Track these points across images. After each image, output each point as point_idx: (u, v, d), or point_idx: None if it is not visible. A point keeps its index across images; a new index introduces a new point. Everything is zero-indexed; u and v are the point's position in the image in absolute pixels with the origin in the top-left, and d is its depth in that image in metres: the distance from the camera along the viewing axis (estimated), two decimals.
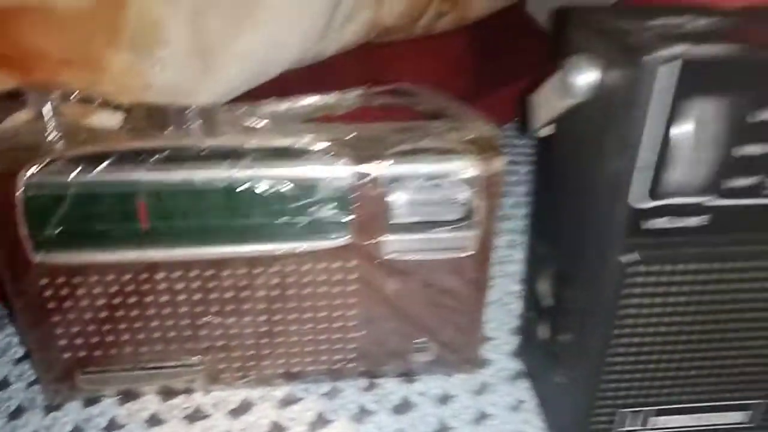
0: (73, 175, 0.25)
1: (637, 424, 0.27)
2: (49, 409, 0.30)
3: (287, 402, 0.31)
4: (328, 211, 0.27)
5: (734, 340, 0.24)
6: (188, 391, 0.31)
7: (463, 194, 0.27)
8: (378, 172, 0.26)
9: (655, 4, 0.26)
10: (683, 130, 0.20)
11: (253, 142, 0.26)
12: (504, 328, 0.36)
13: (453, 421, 0.30)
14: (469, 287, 0.30)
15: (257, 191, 0.26)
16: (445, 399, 0.31)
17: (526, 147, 0.54)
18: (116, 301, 0.28)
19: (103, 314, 0.28)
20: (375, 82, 0.30)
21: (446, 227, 0.28)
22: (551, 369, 0.29)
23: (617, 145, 0.21)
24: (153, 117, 0.27)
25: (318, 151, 0.26)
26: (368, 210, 0.27)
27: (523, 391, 0.32)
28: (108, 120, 0.29)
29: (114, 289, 0.27)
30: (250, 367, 0.30)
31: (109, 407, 0.30)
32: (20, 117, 0.28)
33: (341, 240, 0.27)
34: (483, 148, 0.27)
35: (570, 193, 0.25)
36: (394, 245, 0.28)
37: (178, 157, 0.26)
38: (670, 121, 0.20)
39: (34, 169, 0.25)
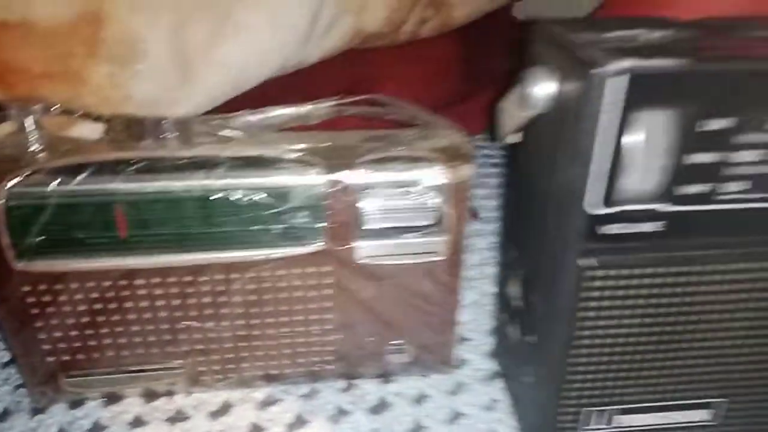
0: (53, 185, 0.26)
1: (603, 423, 0.27)
2: (35, 411, 0.31)
3: (266, 403, 0.32)
4: (301, 219, 0.27)
5: (693, 341, 0.25)
6: (170, 393, 0.32)
7: (433, 201, 0.28)
8: (349, 180, 0.27)
9: (620, 16, 0.26)
10: (634, 140, 0.21)
11: (227, 152, 0.27)
12: (481, 329, 0.37)
13: (427, 420, 0.31)
14: (442, 290, 0.31)
15: (232, 200, 0.27)
16: (420, 399, 0.32)
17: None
18: (97, 306, 0.29)
19: (85, 319, 0.29)
20: (347, 93, 0.31)
21: (417, 233, 0.29)
22: (521, 369, 0.30)
23: (572, 154, 0.22)
24: (131, 128, 0.28)
25: (291, 160, 0.27)
26: (341, 217, 0.28)
27: (498, 390, 0.33)
28: (88, 131, 0.30)
29: (95, 295, 0.28)
30: (229, 369, 0.31)
31: (93, 409, 0.31)
32: (3, 129, 0.28)
33: (315, 246, 0.28)
34: (452, 157, 0.28)
35: (533, 199, 0.26)
36: (367, 250, 0.29)
37: (154, 168, 0.27)
38: (621, 131, 0.21)
39: (16, 180, 0.26)
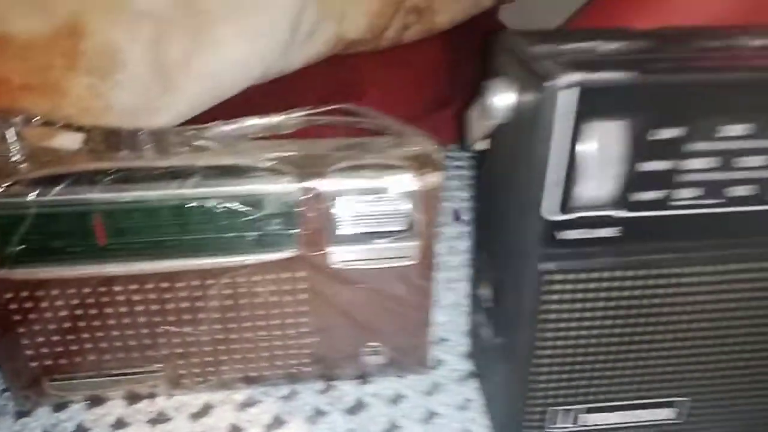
0: (33, 195, 0.27)
1: (569, 422, 0.28)
2: (20, 414, 0.32)
3: (246, 405, 0.33)
4: (275, 226, 0.28)
5: (654, 342, 0.26)
6: (152, 395, 0.33)
7: (404, 207, 0.29)
8: (321, 188, 0.28)
9: (585, 27, 0.27)
10: (588, 149, 0.22)
11: (201, 162, 0.28)
12: (459, 330, 0.37)
13: (403, 420, 0.32)
14: (415, 293, 0.31)
15: (206, 208, 0.28)
16: (396, 399, 0.33)
17: None
18: (78, 312, 0.29)
19: (67, 325, 0.30)
20: (332, 97, 0.31)
21: (389, 238, 0.29)
22: (492, 369, 0.30)
23: (529, 163, 0.23)
24: (109, 139, 0.29)
25: (264, 168, 0.28)
26: (314, 223, 0.29)
27: (472, 390, 0.33)
28: (69, 142, 0.31)
29: (75, 301, 0.29)
30: (209, 372, 0.32)
31: (76, 412, 0.32)
32: None
33: (289, 252, 0.29)
34: (422, 164, 0.29)
35: (498, 205, 0.27)
36: (340, 256, 0.29)
37: (131, 177, 0.28)
38: (574, 141, 0.22)
39: None
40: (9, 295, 0.28)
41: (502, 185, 0.26)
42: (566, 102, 0.21)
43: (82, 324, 0.30)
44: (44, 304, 0.29)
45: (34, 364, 0.31)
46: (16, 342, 0.30)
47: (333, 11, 0.43)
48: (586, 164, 0.22)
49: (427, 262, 0.30)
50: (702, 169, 0.23)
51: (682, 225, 0.23)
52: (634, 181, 0.23)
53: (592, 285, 0.24)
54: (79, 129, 0.31)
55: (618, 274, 0.24)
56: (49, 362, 0.31)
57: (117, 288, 0.29)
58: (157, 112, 0.35)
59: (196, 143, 0.28)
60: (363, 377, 0.34)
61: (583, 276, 0.24)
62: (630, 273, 0.24)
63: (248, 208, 0.28)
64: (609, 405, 0.28)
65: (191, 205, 0.27)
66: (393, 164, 0.29)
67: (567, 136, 0.21)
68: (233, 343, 0.31)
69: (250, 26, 0.38)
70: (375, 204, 0.29)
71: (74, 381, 0.31)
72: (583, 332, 0.25)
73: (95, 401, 0.32)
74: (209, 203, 0.27)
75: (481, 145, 0.28)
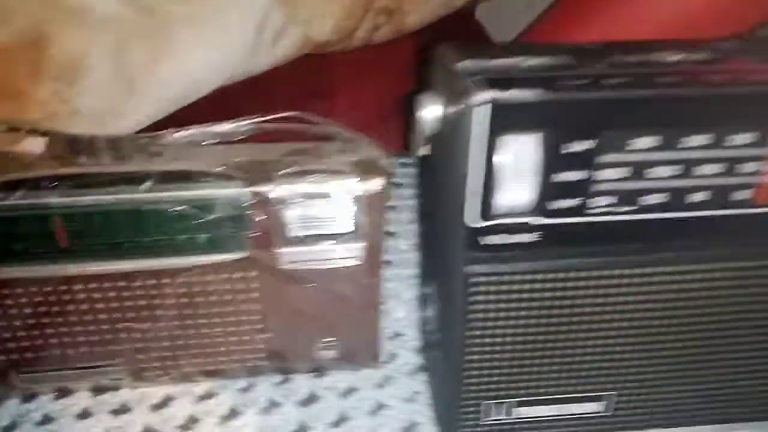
0: None
1: (502, 415, 0.30)
2: None
3: (205, 397, 0.34)
4: (225, 228, 0.30)
5: (578, 340, 0.28)
6: (116, 387, 0.35)
7: (350, 210, 0.30)
8: (270, 192, 0.29)
9: (511, 43, 0.28)
10: (504, 160, 0.23)
11: (156, 167, 0.29)
12: (415, 326, 0.39)
13: (352, 411, 0.34)
14: (363, 292, 0.33)
15: (160, 211, 0.29)
16: (349, 392, 0.35)
17: None
18: (42, 310, 0.31)
19: (31, 322, 0.31)
20: (267, 111, 0.33)
21: (336, 240, 0.31)
22: (435, 364, 0.32)
23: (452, 172, 0.24)
24: (69, 145, 0.30)
25: (215, 173, 0.30)
26: (263, 226, 0.30)
27: (421, 384, 0.35)
28: (33, 146, 0.32)
29: (39, 299, 0.31)
30: (169, 366, 0.34)
31: (44, 403, 0.34)
32: None
33: (240, 253, 0.30)
34: (367, 170, 0.30)
35: (432, 209, 0.28)
36: (289, 257, 0.31)
37: (90, 182, 0.29)
38: (490, 153, 0.23)
39: None
40: None
41: (435, 191, 0.28)
42: (481, 118, 0.22)
43: (46, 321, 0.31)
44: (9, 302, 0.30)
45: (2, 357, 0.32)
46: None
47: (299, 14, 0.45)
48: (503, 175, 0.24)
49: (373, 263, 0.32)
50: (614, 179, 0.24)
51: (598, 231, 0.25)
52: (550, 190, 0.24)
53: (515, 287, 0.26)
54: (43, 134, 0.33)
55: (539, 276, 0.26)
56: (16, 356, 0.32)
57: (78, 287, 0.31)
58: (122, 115, 0.37)
59: (151, 150, 0.30)
60: (318, 371, 0.36)
61: (506, 278, 0.26)
62: (550, 276, 0.26)
63: (199, 212, 0.29)
64: (539, 399, 0.29)
65: (145, 208, 0.29)
66: (338, 170, 0.30)
67: (483, 148, 0.23)
68: (191, 338, 0.33)
69: (213, 31, 0.39)
70: (322, 207, 0.30)
71: (41, 374, 0.33)
72: (509, 331, 0.27)
73: (62, 392, 0.34)
74: (162, 207, 0.29)
75: (423, 151, 0.30)
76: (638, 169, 0.24)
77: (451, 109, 0.24)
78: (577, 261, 0.26)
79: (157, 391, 0.35)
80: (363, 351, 0.35)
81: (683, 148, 0.24)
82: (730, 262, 0.26)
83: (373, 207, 0.30)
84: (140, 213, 0.29)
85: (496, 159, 0.23)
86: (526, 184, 0.24)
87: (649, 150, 0.24)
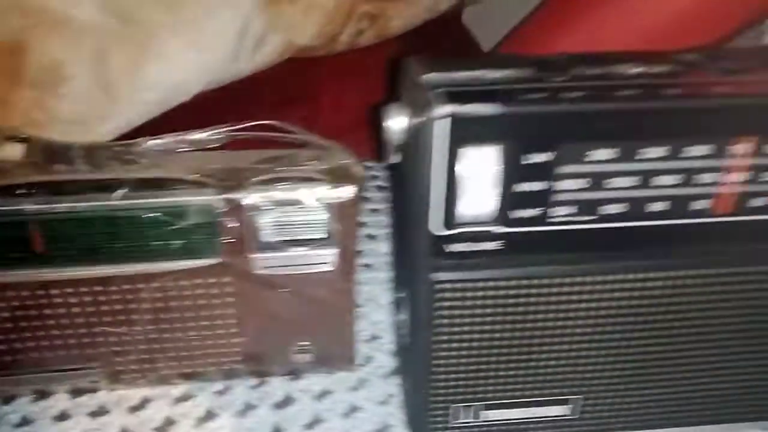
0: None
1: (471, 418, 0.30)
2: None
3: (181, 399, 0.35)
4: (199, 235, 0.30)
5: (543, 345, 0.28)
6: (94, 390, 0.35)
7: (322, 217, 0.31)
8: (242, 199, 0.30)
9: (476, 57, 0.28)
10: (465, 171, 0.24)
11: (130, 175, 0.30)
12: (392, 329, 0.40)
13: (326, 414, 0.34)
14: (338, 297, 0.33)
15: (134, 218, 0.30)
16: (323, 395, 0.35)
17: None
18: (19, 314, 0.32)
19: (9, 325, 0.32)
20: (240, 119, 0.33)
21: (308, 246, 0.31)
22: (406, 367, 0.33)
23: (416, 181, 0.25)
24: (45, 152, 0.31)
25: (189, 180, 0.30)
26: (236, 232, 0.31)
27: (394, 386, 0.36)
28: (12, 152, 0.33)
29: (15, 304, 0.31)
30: (146, 369, 0.34)
31: (22, 405, 0.34)
32: None
33: (213, 259, 0.31)
34: (338, 177, 0.31)
35: (401, 217, 0.29)
36: (263, 262, 0.32)
37: (64, 189, 0.30)
38: (451, 164, 0.24)
39: None
40: None
41: (403, 198, 0.28)
42: (441, 130, 0.23)
43: (23, 324, 0.32)
44: None
45: None
46: None
47: (281, 21, 0.45)
48: (465, 185, 0.24)
49: (346, 268, 0.32)
50: (574, 190, 0.25)
51: (559, 239, 0.26)
52: (512, 200, 0.25)
53: (479, 293, 0.26)
54: (23, 140, 0.33)
55: (502, 283, 0.26)
56: None
57: (54, 291, 0.31)
58: (103, 121, 0.37)
59: (125, 157, 0.30)
60: (294, 374, 0.36)
61: (470, 285, 0.26)
62: (513, 283, 0.26)
63: (173, 219, 0.30)
64: (506, 402, 0.30)
65: (120, 215, 0.30)
66: (310, 177, 0.31)
67: (444, 160, 0.23)
68: (166, 342, 0.33)
69: (194, 37, 0.39)
70: (294, 214, 0.31)
71: (19, 376, 0.34)
72: (475, 336, 0.28)
73: (41, 395, 0.35)
74: (136, 213, 0.29)
75: (394, 159, 0.30)
76: (597, 180, 0.25)
77: (415, 121, 0.24)
78: (540, 268, 0.26)
79: (134, 394, 0.35)
80: (338, 354, 0.36)
81: (641, 160, 0.24)
82: (689, 270, 0.27)
83: (345, 214, 0.31)
84: (115, 219, 0.30)
85: (457, 169, 0.24)
86: (488, 193, 0.24)
87: (607, 161, 0.24)
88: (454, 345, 0.28)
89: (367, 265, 0.44)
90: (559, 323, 0.28)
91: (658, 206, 0.25)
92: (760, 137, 0.24)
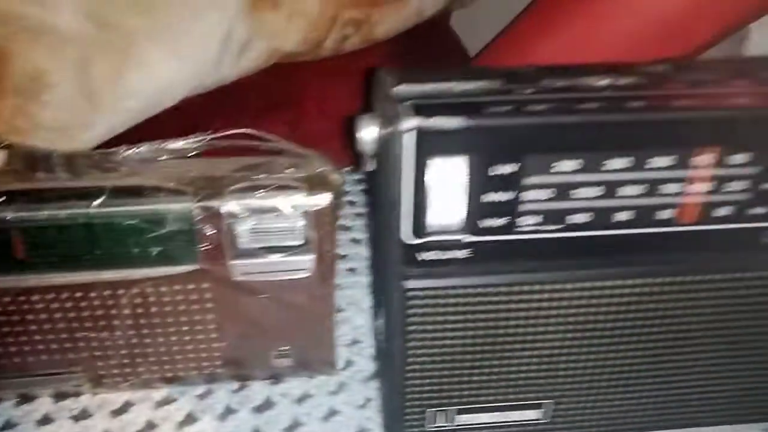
0: None
1: (446, 422, 0.31)
2: None
3: (163, 403, 0.35)
4: (177, 242, 0.31)
5: (514, 351, 0.29)
6: (78, 393, 0.36)
7: (299, 224, 0.31)
8: (220, 207, 0.30)
9: (448, 69, 0.29)
10: (433, 182, 0.24)
11: (109, 183, 0.30)
12: (372, 333, 0.40)
13: (305, 418, 0.35)
14: (316, 302, 0.34)
15: (113, 225, 0.30)
16: (303, 398, 0.36)
17: None
18: (1, 319, 0.32)
19: None
20: (225, 124, 0.34)
21: (286, 252, 0.32)
22: (383, 372, 0.33)
23: (389, 191, 0.25)
24: (27, 160, 0.31)
25: (167, 188, 0.30)
26: (214, 239, 0.31)
27: (373, 390, 0.36)
28: None
29: None
30: (128, 373, 0.35)
31: (6, 409, 0.35)
32: None
33: (192, 266, 0.31)
34: (315, 185, 0.31)
35: (376, 224, 0.29)
36: (241, 269, 0.32)
37: (45, 197, 0.30)
38: (419, 175, 0.24)
39: None
40: None
41: (377, 207, 0.29)
42: (409, 142, 0.23)
43: (6, 329, 0.32)
44: None
45: None
46: None
47: (265, 26, 0.46)
48: (433, 194, 0.25)
49: (324, 274, 0.33)
50: (540, 200, 0.25)
51: (528, 248, 0.26)
52: (480, 209, 0.25)
53: (450, 300, 0.27)
54: (5, 147, 0.34)
55: (472, 290, 0.27)
56: None
57: (35, 297, 0.31)
58: (86, 128, 0.38)
59: (105, 165, 0.31)
60: (275, 378, 0.37)
61: (441, 293, 0.27)
62: (482, 290, 0.27)
63: (151, 226, 0.30)
64: (480, 406, 0.30)
65: (99, 222, 0.30)
66: (287, 185, 0.31)
67: (412, 170, 0.24)
68: (147, 347, 0.34)
69: (177, 45, 0.40)
70: (272, 221, 0.31)
71: (2, 380, 0.34)
72: (448, 342, 0.28)
73: (24, 399, 0.35)
74: (115, 221, 0.30)
75: (369, 167, 0.31)
76: (563, 190, 0.25)
77: (384, 133, 0.25)
78: (509, 276, 0.27)
79: (117, 397, 0.36)
80: (318, 359, 0.36)
81: (606, 171, 0.25)
82: (656, 278, 0.27)
83: (322, 221, 0.31)
84: (94, 227, 0.30)
85: (426, 180, 0.24)
86: (457, 203, 0.25)
87: (572, 172, 0.25)
88: (428, 351, 0.28)
89: (351, 269, 0.45)
90: (529, 329, 0.28)
91: (623, 216, 0.26)
92: (722, 149, 0.25)
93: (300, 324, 0.35)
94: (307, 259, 0.32)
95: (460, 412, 0.30)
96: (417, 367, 0.29)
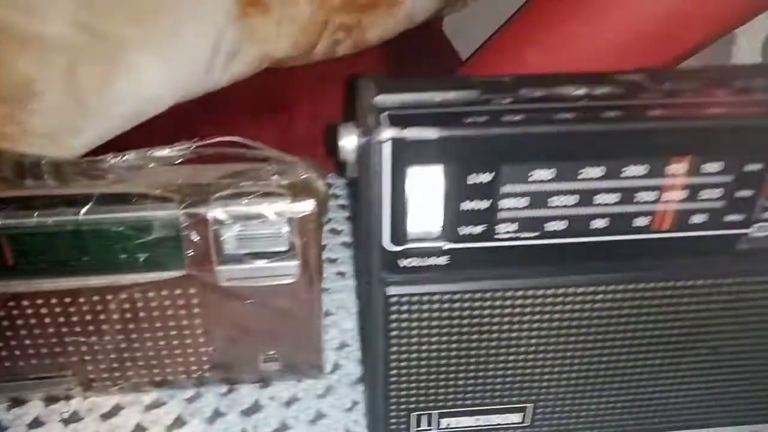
0: None
1: (430, 425, 0.31)
2: None
3: (153, 406, 0.36)
4: (164, 248, 0.31)
5: (493, 356, 0.29)
6: (68, 397, 0.36)
7: (283, 230, 0.32)
8: (206, 213, 0.31)
9: (429, 78, 0.29)
10: (412, 190, 0.25)
11: (96, 190, 0.31)
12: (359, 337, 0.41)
13: (292, 421, 0.35)
14: (303, 307, 0.34)
15: (101, 231, 0.31)
16: (291, 402, 0.36)
17: None
18: None
19: None
20: (216, 130, 0.34)
21: (271, 258, 0.32)
22: (367, 376, 0.33)
23: (369, 199, 0.26)
24: (16, 168, 0.32)
25: (154, 195, 0.31)
26: (201, 245, 0.32)
27: (360, 394, 0.37)
28: None
29: None
30: (117, 377, 0.35)
31: None
32: None
33: (178, 272, 0.32)
34: (298, 192, 0.32)
35: (359, 231, 0.30)
36: (227, 274, 0.32)
37: (33, 204, 0.31)
38: (396, 184, 0.24)
39: None
40: None
41: (360, 214, 0.29)
42: (385, 152, 0.24)
43: None
44: None
45: None
46: None
47: (255, 32, 0.46)
48: (412, 202, 0.25)
49: (309, 279, 0.33)
50: (518, 208, 0.26)
51: (506, 255, 0.26)
52: (458, 217, 0.25)
53: (432, 306, 0.27)
54: None
55: (451, 296, 0.27)
56: None
57: (25, 303, 0.32)
58: (75, 135, 0.38)
59: (92, 173, 0.31)
60: (263, 381, 0.37)
61: (422, 298, 0.27)
62: (462, 296, 0.27)
63: (138, 232, 0.31)
64: (462, 410, 0.31)
65: (87, 229, 0.30)
66: (272, 192, 0.31)
67: (389, 179, 0.24)
68: (136, 351, 0.34)
69: (165, 51, 0.40)
70: (256, 228, 0.32)
71: None
72: (429, 347, 0.28)
73: (15, 402, 0.36)
74: (103, 228, 0.30)
75: (351, 174, 0.31)
76: (540, 199, 0.25)
77: (363, 142, 0.25)
78: (488, 282, 0.27)
79: (107, 401, 0.36)
80: (306, 363, 0.37)
81: (582, 179, 0.25)
82: (633, 284, 0.28)
83: (306, 227, 0.32)
84: (82, 233, 0.31)
85: (405, 188, 0.25)
86: (435, 211, 0.25)
87: (548, 181, 0.25)
88: (409, 355, 0.29)
89: (340, 273, 0.45)
90: (508, 335, 0.28)
91: (599, 223, 0.26)
92: (696, 157, 0.25)
93: (287, 329, 0.35)
94: (292, 265, 0.33)
95: (444, 415, 0.31)
96: (399, 371, 0.29)
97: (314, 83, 0.55)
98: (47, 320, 0.33)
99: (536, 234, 0.26)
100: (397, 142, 0.23)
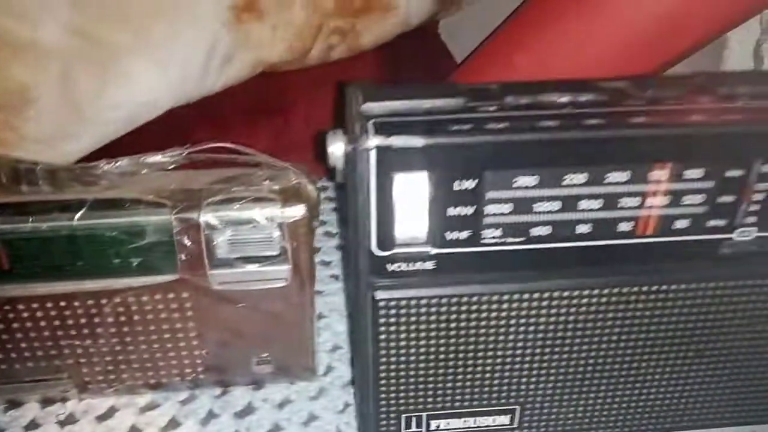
0: None
1: (420, 427, 0.32)
2: None
3: (147, 408, 0.36)
4: (157, 252, 0.32)
5: (479, 359, 0.29)
6: (64, 399, 0.37)
7: (274, 235, 0.32)
8: (197, 219, 0.31)
9: (417, 86, 0.29)
10: (398, 196, 0.25)
11: (90, 195, 0.31)
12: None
13: (285, 423, 0.36)
14: (295, 310, 0.35)
15: (95, 236, 0.31)
16: (284, 404, 0.37)
17: None
18: None
19: None
20: (212, 134, 0.35)
21: (263, 262, 0.33)
22: (357, 378, 0.34)
23: (357, 204, 0.26)
24: (11, 174, 0.32)
25: (146, 200, 0.31)
26: (193, 250, 0.32)
27: (351, 395, 0.37)
28: None
29: None
30: (112, 379, 0.36)
31: None
32: None
33: (171, 276, 0.32)
34: (289, 197, 0.32)
35: (347, 235, 0.30)
36: (220, 278, 0.33)
37: (28, 210, 0.31)
38: (382, 190, 0.25)
39: None
40: None
41: (348, 218, 0.30)
42: (372, 160, 0.24)
43: None
44: None
45: None
46: None
47: (249, 37, 0.46)
48: (398, 208, 0.25)
49: (300, 283, 0.34)
50: (503, 213, 0.26)
51: (492, 259, 0.27)
52: (444, 222, 0.26)
53: (419, 310, 0.28)
54: None
55: (438, 301, 0.27)
56: None
57: (21, 307, 0.33)
58: (71, 141, 0.39)
59: (86, 179, 0.32)
60: (256, 384, 0.38)
61: (412, 302, 0.28)
62: (448, 300, 0.27)
63: (131, 237, 0.31)
64: (451, 412, 0.31)
65: (81, 234, 0.31)
66: (263, 197, 0.32)
67: (374, 186, 0.25)
68: (130, 354, 0.35)
69: (160, 57, 0.41)
70: (248, 232, 0.32)
71: None
72: (417, 350, 0.29)
73: (12, 404, 0.36)
74: (96, 233, 0.31)
75: (341, 179, 0.32)
76: (525, 205, 0.26)
77: (349, 149, 0.26)
78: (474, 287, 0.28)
79: (102, 403, 0.37)
80: (298, 365, 0.37)
81: (566, 185, 0.26)
82: (617, 288, 0.28)
83: (297, 232, 0.32)
84: (76, 238, 0.31)
85: (392, 194, 0.25)
86: (422, 216, 0.26)
87: (532, 187, 0.26)
88: (398, 358, 0.29)
89: (333, 276, 0.46)
90: (494, 338, 0.29)
91: (583, 228, 0.27)
92: (677, 164, 0.26)
93: (279, 332, 0.35)
94: (284, 269, 0.33)
95: (433, 417, 0.31)
96: (388, 373, 0.30)
97: (309, 87, 0.56)
98: (43, 324, 0.33)
99: (521, 239, 0.27)
100: (382, 150, 0.24)
